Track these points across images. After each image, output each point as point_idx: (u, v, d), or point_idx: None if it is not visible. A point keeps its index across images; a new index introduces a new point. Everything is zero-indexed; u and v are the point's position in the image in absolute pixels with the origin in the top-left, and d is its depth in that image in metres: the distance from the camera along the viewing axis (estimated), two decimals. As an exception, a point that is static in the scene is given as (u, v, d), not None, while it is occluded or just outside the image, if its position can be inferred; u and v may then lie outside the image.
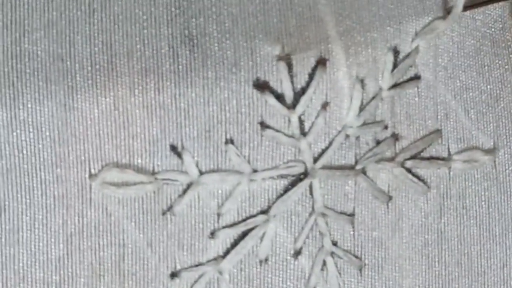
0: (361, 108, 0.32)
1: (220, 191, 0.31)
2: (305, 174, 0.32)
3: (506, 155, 0.35)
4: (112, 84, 0.30)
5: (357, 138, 0.33)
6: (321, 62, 0.31)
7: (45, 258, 0.30)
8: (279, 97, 0.31)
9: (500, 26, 0.34)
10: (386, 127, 0.33)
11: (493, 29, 0.34)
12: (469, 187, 0.34)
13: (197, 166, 0.31)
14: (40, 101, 0.29)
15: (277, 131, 0.31)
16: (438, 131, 0.34)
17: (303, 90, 0.31)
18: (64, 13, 0.29)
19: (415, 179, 0.33)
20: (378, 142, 0.33)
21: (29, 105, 0.29)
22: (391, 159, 0.33)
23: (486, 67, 0.34)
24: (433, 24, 0.33)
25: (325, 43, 0.31)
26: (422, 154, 0.34)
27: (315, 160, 0.32)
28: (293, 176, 0.32)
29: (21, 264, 0.30)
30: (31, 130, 0.30)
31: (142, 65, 0.30)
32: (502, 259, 0.35)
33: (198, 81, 0.30)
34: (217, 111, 0.31)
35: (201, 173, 0.31)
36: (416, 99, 0.33)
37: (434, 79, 0.33)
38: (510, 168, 0.35)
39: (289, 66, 0.31)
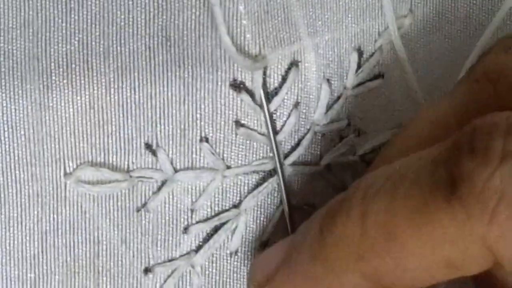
0: (328, 107, 0.35)
1: (194, 188, 0.34)
2: (275, 170, 0.35)
3: None
4: (87, 83, 0.32)
5: (323, 135, 0.36)
6: (295, 64, 0.34)
7: (20, 256, 0.33)
8: (254, 97, 0.34)
9: (473, 27, 0.37)
10: (349, 124, 0.36)
11: (465, 29, 0.37)
12: None
13: (171, 163, 0.34)
14: (15, 100, 0.31)
15: (251, 129, 0.34)
16: (400, 125, 0.37)
17: (276, 91, 0.34)
18: (41, 12, 0.31)
19: None
20: (341, 138, 0.36)
21: (4, 104, 0.31)
22: (353, 154, 0.36)
23: (454, 67, 0.37)
24: (396, 23, 0.36)
25: (298, 45, 0.34)
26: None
27: (285, 157, 0.35)
28: (264, 172, 0.35)
29: (-5, 262, 0.32)
30: (6, 128, 0.32)
31: (118, 64, 0.32)
32: None
33: (174, 81, 0.33)
34: (193, 110, 0.33)
35: (175, 170, 0.34)
36: (381, 96, 0.36)
37: (399, 78, 0.36)
38: None
39: (264, 67, 0.34)
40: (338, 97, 0.36)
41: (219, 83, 0.33)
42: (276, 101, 0.34)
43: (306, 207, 0.36)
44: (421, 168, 0.27)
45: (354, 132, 0.37)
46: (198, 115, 0.33)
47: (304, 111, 0.35)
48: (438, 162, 0.27)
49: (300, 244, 0.31)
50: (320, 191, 0.37)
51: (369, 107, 0.37)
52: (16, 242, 0.33)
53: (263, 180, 0.35)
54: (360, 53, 0.36)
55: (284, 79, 0.34)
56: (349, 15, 0.35)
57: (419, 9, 0.37)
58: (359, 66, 0.36)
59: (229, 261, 0.36)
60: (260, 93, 0.34)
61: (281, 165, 0.35)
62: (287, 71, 0.34)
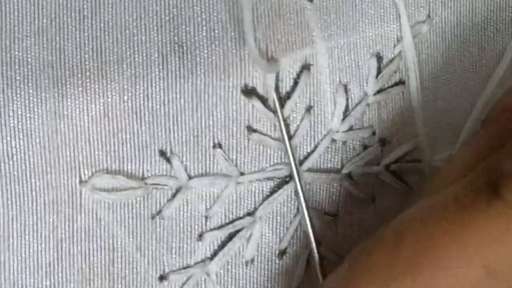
0: (346, 113, 0.36)
1: (208, 194, 0.35)
2: (291, 177, 0.35)
3: None
4: (102, 91, 0.33)
5: (344, 143, 0.36)
6: (306, 67, 0.34)
7: (35, 264, 0.33)
8: (265, 102, 0.34)
9: (490, 34, 0.38)
10: (374, 133, 0.36)
11: (482, 36, 0.38)
12: None
13: (186, 170, 0.34)
14: (30, 108, 0.32)
15: (264, 134, 0.34)
16: (425, 136, 0.37)
17: (288, 95, 0.34)
18: (55, 21, 0.32)
19: (399, 182, 0.37)
20: (365, 147, 0.36)
21: (19, 112, 0.32)
22: (377, 163, 0.36)
23: (471, 75, 0.37)
24: (414, 29, 0.36)
25: (310, 48, 0.34)
26: (407, 157, 0.37)
27: (301, 163, 0.35)
28: (279, 178, 0.35)
29: (11, 270, 0.33)
30: (21, 137, 0.32)
31: (131, 72, 0.33)
32: None
33: (187, 88, 0.33)
34: (205, 117, 0.34)
35: (190, 177, 0.34)
36: (402, 104, 0.37)
37: (418, 84, 0.36)
38: None
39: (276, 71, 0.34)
40: (358, 104, 0.36)
41: (231, 89, 0.34)
42: (288, 105, 0.35)
43: (325, 215, 0.37)
44: (459, 183, 0.28)
45: (379, 142, 0.37)
46: (211, 122, 0.34)
47: (318, 116, 0.35)
48: (474, 175, 0.27)
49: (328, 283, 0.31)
50: (340, 200, 0.37)
51: (393, 115, 0.37)
52: (31, 250, 0.33)
53: (278, 187, 0.36)
54: (379, 58, 0.36)
55: (296, 82, 0.35)
56: (366, 20, 0.36)
57: (438, 15, 0.37)
58: (379, 71, 0.36)
59: (245, 270, 0.36)
60: (273, 97, 0.34)
61: (298, 170, 0.35)
62: (299, 75, 0.35)
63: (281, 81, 0.35)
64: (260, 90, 0.34)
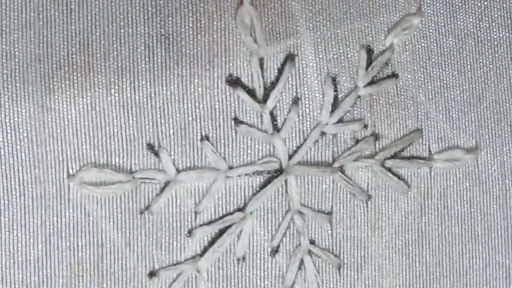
0: (335, 105, 0.36)
1: (197, 189, 0.35)
2: (280, 171, 0.36)
3: (488, 155, 0.39)
4: (89, 84, 0.34)
5: (334, 136, 0.37)
6: (290, 58, 0.35)
7: (23, 259, 0.34)
8: (251, 93, 0.35)
9: (486, 24, 0.38)
10: (366, 126, 0.37)
11: (477, 28, 0.38)
12: (451, 186, 0.38)
13: (174, 164, 0.35)
14: (17, 101, 0.33)
15: (251, 126, 0.35)
16: (418, 131, 0.38)
17: (273, 85, 0.35)
18: (42, 14, 0.33)
19: (395, 178, 0.37)
20: (357, 141, 0.37)
21: (7, 106, 0.33)
22: (370, 157, 0.37)
23: (468, 66, 0.38)
24: (405, 21, 0.37)
25: (295, 39, 0.35)
26: (402, 153, 0.38)
27: (290, 156, 0.36)
28: (268, 172, 0.36)
29: (-1, 265, 0.34)
30: (8, 131, 0.33)
31: (118, 65, 0.34)
32: (485, 259, 0.39)
33: (173, 79, 0.34)
34: (192, 108, 0.35)
35: (178, 171, 0.35)
36: (396, 98, 0.37)
37: (412, 77, 0.37)
38: (492, 168, 0.39)
39: (261, 61, 0.35)
40: (347, 96, 0.37)
41: (216, 79, 0.35)
42: (273, 95, 0.36)
43: (319, 212, 0.37)
44: None
45: (372, 135, 0.37)
46: (198, 113, 0.35)
47: (307, 108, 0.36)
48: None
49: None
50: (334, 197, 0.37)
51: (386, 109, 0.38)
52: (19, 245, 0.34)
53: (268, 181, 0.36)
54: (369, 50, 0.37)
55: (280, 72, 0.36)
56: (354, 11, 0.36)
57: (430, 7, 0.38)
58: (369, 64, 0.37)
59: (236, 268, 0.36)
60: (258, 88, 0.35)
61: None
62: (283, 65, 0.35)
63: (265, 71, 0.35)
64: (245, 80, 0.35)
